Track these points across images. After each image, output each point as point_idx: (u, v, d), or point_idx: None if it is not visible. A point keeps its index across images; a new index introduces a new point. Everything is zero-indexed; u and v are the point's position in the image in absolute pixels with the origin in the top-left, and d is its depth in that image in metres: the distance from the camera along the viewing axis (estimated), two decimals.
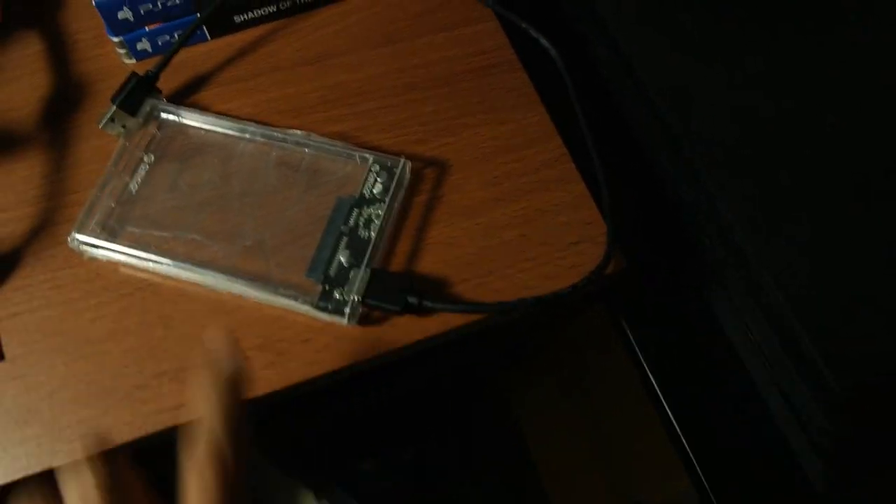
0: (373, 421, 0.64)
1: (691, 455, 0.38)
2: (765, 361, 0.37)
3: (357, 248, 0.37)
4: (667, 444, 0.40)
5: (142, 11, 0.41)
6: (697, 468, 0.38)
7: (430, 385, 0.62)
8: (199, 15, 0.43)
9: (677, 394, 0.40)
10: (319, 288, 0.36)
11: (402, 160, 0.39)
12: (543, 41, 0.44)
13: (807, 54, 0.40)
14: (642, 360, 0.41)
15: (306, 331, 0.36)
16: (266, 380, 0.35)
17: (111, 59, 0.44)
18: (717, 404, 0.40)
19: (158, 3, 0.41)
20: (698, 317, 0.40)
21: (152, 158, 0.40)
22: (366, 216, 0.38)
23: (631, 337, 0.42)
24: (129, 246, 0.37)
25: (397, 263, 0.38)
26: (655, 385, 0.40)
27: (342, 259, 0.37)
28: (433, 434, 0.67)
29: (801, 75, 0.39)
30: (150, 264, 0.37)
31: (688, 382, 0.40)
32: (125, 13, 0.41)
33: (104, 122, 0.40)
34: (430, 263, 0.38)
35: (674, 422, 0.40)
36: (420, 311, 0.36)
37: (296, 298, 0.36)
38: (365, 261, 0.36)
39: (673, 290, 0.42)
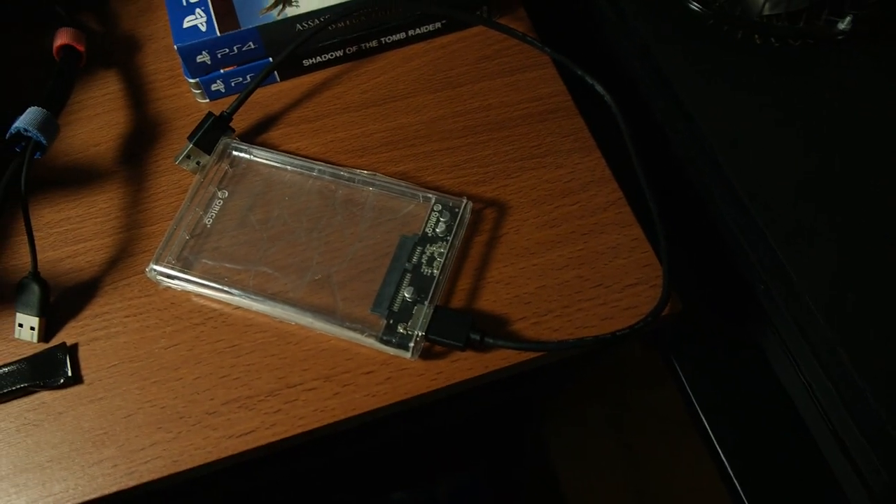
0: (407, 452, 0.65)
1: (743, 498, 0.39)
2: (822, 414, 0.37)
3: (420, 284, 0.38)
4: (718, 485, 0.41)
5: (219, 56, 0.44)
6: None
7: (466, 418, 0.62)
8: (271, 59, 0.45)
9: (731, 438, 0.40)
10: (384, 322, 0.38)
11: (465, 200, 0.40)
12: (599, 87, 0.45)
13: (872, 113, 0.41)
14: (694, 401, 0.42)
15: (370, 363, 0.38)
16: (330, 410, 0.37)
17: (186, 98, 0.47)
18: (772, 451, 0.40)
19: (235, 48, 0.44)
20: (752, 361, 0.41)
21: (226, 194, 0.42)
22: (428, 254, 0.39)
23: (682, 376, 0.42)
24: (203, 277, 0.39)
25: (458, 300, 0.39)
26: (707, 426, 0.41)
27: (406, 295, 0.38)
28: (467, 467, 0.68)
29: (870, 136, 0.40)
30: (222, 295, 0.39)
31: (741, 426, 0.41)
32: (203, 57, 0.43)
33: (181, 158, 0.43)
34: (489, 301, 0.39)
35: (729, 469, 0.40)
36: (481, 347, 0.37)
37: (361, 332, 0.37)
38: (429, 297, 0.38)
39: (726, 331, 0.42)
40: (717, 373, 0.41)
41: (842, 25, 0.42)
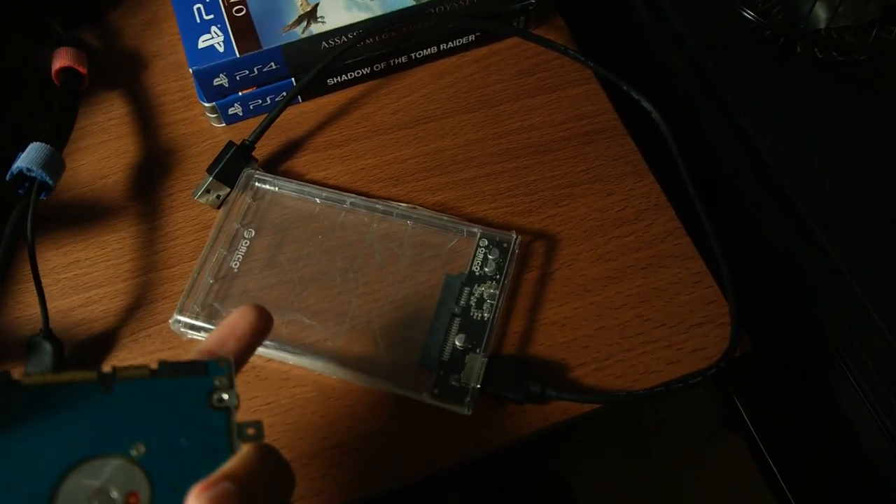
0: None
1: None
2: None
3: (471, 330, 0.35)
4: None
5: (237, 78, 0.40)
6: None
7: None
8: (293, 80, 0.41)
9: (797, 477, 0.38)
10: (434, 375, 0.35)
11: (514, 235, 0.37)
12: (646, 104, 0.42)
13: None
14: (758, 440, 0.39)
15: (421, 419, 0.35)
16: (380, 474, 0.34)
17: (200, 122, 0.43)
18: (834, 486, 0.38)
19: (255, 69, 0.40)
20: (817, 396, 0.39)
21: (252, 233, 0.38)
22: (478, 295, 0.36)
23: (745, 416, 0.40)
24: None
25: (510, 345, 0.36)
26: (774, 468, 0.39)
27: (456, 343, 0.35)
28: (486, 492, 0.65)
29: None
30: None
31: (807, 466, 0.39)
32: (221, 80, 0.40)
33: (199, 193, 0.39)
34: (544, 346, 0.36)
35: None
36: (542, 400, 0.34)
37: (410, 387, 0.34)
38: (482, 346, 0.35)
39: (790, 365, 0.40)
40: (785, 415, 0.39)
41: None
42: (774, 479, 0.41)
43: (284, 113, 0.42)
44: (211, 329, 0.36)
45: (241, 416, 0.34)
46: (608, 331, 0.36)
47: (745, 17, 0.41)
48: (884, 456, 0.37)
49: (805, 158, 0.38)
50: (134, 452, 0.22)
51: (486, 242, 0.38)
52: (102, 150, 0.42)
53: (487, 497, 0.59)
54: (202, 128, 0.43)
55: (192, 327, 0.36)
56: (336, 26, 0.39)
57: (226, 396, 0.23)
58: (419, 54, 0.43)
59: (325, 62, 0.40)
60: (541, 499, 0.62)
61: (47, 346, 0.35)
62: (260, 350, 0.35)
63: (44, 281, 0.36)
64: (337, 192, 0.39)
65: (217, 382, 0.23)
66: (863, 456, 0.38)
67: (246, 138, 0.40)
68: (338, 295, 0.37)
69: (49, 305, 0.36)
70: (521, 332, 0.37)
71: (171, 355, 0.36)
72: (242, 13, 0.40)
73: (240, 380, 0.35)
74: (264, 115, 0.40)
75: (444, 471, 0.34)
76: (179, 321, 0.36)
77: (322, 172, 0.41)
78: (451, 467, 0.34)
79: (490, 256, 0.37)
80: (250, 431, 0.23)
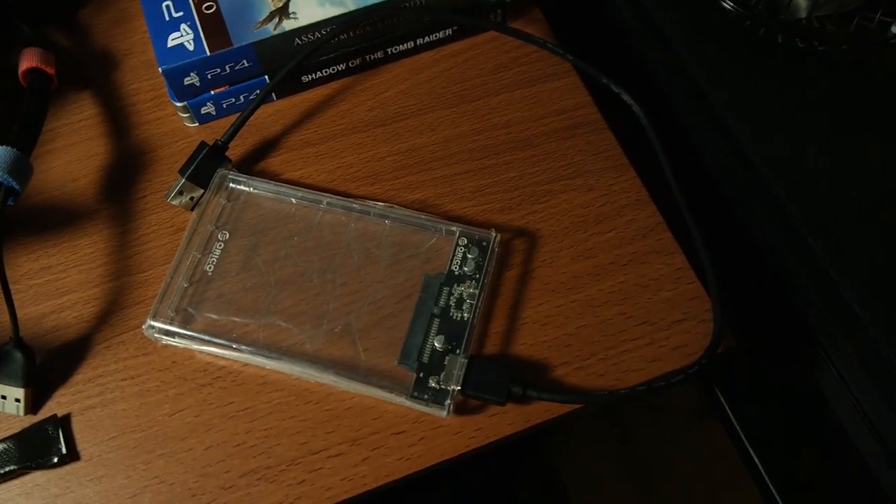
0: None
1: None
2: (884, 448, 0.35)
3: (451, 331, 0.35)
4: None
5: (209, 76, 0.39)
6: None
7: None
8: (267, 78, 0.40)
9: (785, 476, 0.38)
10: (413, 377, 0.34)
11: (493, 234, 0.37)
12: (625, 96, 0.42)
13: None
14: (742, 435, 0.39)
15: (400, 422, 0.34)
16: (360, 478, 0.33)
17: (172, 122, 0.42)
18: (826, 486, 0.38)
19: (227, 68, 0.39)
20: (804, 394, 0.38)
21: (227, 236, 0.38)
22: (457, 295, 0.36)
23: (727, 409, 0.40)
24: (207, 333, 0.35)
25: (491, 345, 0.36)
26: (759, 464, 0.38)
27: (436, 344, 0.35)
28: (470, 491, 0.65)
29: None
30: (229, 352, 0.35)
31: (794, 463, 0.38)
32: (192, 79, 0.39)
33: (172, 195, 0.38)
34: (525, 345, 0.36)
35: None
36: (523, 400, 0.34)
37: (389, 389, 0.34)
38: (462, 346, 0.34)
39: (775, 363, 0.40)
40: (766, 407, 0.39)
41: None
42: (757, 470, 0.40)
43: (258, 112, 0.41)
44: (188, 335, 0.35)
45: (217, 423, 0.33)
46: (590, 329, 0.36)
47: (725, 7, 0.41)
48: (868, 449, 0.37)
49: (787, 150, 0.37)
50: None
51: (466, 241, 0.37)
52: (73, 153, 0.41)
53: (472, 496, 0.59)
54: (175, 128, 0.42)
55: (167, 333, 0.35)
56: (309, 22, 0.39)
57: None
58: (395, 49, 0.42)
59: (299, 59, 0.39)
60: (528, 494, 0.62)
61: (18, 355, 0.34)
62: (236, 355, 0.35)
63: (14, 287, 0.36)
64: (313, 191, 0.39)
65: None
66: (847, 448, 0.37)
67: (219, 138, 0.39)
68: (315, 297, 0.37)
69: (20, 312, 0.35)
70: (501, 331, 0.36)
71: (143, 362, 0.36)
72: (212, 10, 0.39)
73: (215, 387, 0.35)
74: (238, 114, 0.39)
75: (426, 472, 0.34)
76: (153, 327, 0.35)
77: (298, 172, 0.40)
78: (432, 469, 0.34)
79: (469, 255, 0.37)
80: None
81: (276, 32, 0.38)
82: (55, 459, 0.33)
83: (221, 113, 0.42)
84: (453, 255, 0.37)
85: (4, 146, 0.35)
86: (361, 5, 0.39)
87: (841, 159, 0.37)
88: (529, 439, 0.48)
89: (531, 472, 0.64)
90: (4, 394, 0.34)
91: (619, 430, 0.56)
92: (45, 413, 0.35)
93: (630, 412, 0.55)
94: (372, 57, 0.42)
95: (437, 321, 0.35)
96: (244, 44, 0.38)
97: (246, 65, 0.39)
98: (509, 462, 0.57)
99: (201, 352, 0.36)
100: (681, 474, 0.54)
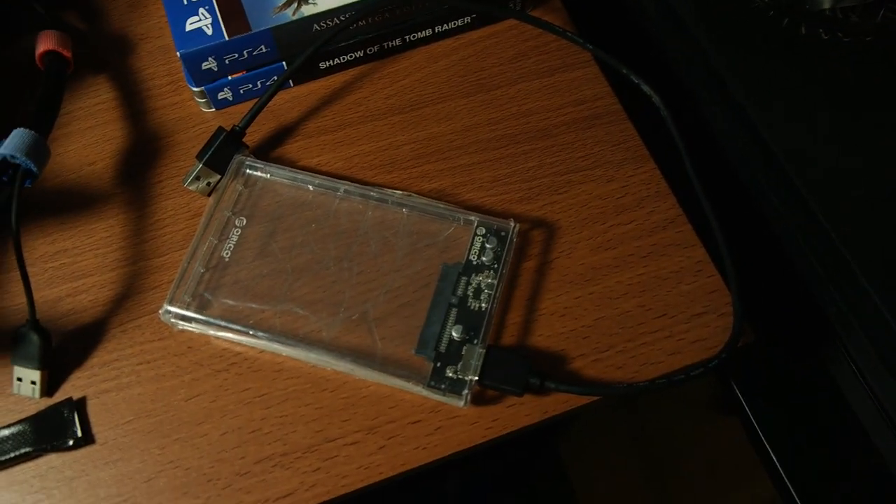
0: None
1: None
2: None
3: (469, 321, 0.35)
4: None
5: (227, 61, 0.39)
6: None
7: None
8: (284, 63, 0.40)
9: (799, 468, 0.38)
10: (430, 366, 0.34)
11: (512, 223, 0.36)
12: (645, 87, 0.41)
13: None
14: (759, 430, 0.39)
15: (416, 411, 0.34)
16: (376, 466, 0.33)
17: (189, 107, 0.42)
18: (842, 481, 0.38)
19: (245, 53, 0.39)
20: (822, 388, 0.38)
21: (244, 222, 0.37)
22: (475, 285, 0.36)
23: (744, 403, 0.39)
24: (223, 318, 0.35)
25: (509, 336, 0.36)
26: (775, 459, 0.38)
27: (454, 334, 0.34)
28: (484, 480, 0.65)
29: None
30: (246, 338, 0.35)
31: (808, 453, 0.38)
32: (210, 63, 0.39)
33: (189, 180, 0.38)
34: (543, 336, 0.35)
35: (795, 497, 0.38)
36: (541, 391, 0.34)
37: (406, 378, 0.34)
38: (480, 336, 0.34)
39: (793, 357, 0.39)
40: (784, 402, 0.39)
41: None
42: (773, 465, 0.40)
43: (276, 98, 0.41)
44: (204, 320, 0.35)
45: (233, 409, 0.33)
46: (608, 321, 0.36)
47: None
48: (886, 445, 0.36)
49: (810, 142, 0.37)
50: None
51: (484, 231, 0.37)
52: (89, 136, 0.41)
53: (489, 485, 0.59)
54: (191, 113, 0.42)
55: (183, 318, 0.35)
56: (328, 7, 0.38)
57: None
58: (414, 37, 0.42)
59: (318, 45, 0.39)
60: (545, 484, 0.62)
61: (34, 338, 0.34)
62: (253, 341, 0.35)
63: (30, 270, 0.35)
64: (330, 179, 0.38)
65: None
66: (864, 444, 0.37)
67: (236, 124, 0.38)
68: (332, 284, 0.36)
69: (36, 295, 0.35)
70: (519, 322, 0.36)
71: (160, 347, 0.36)
72: None
73: (231, 373, 0.35)
74: (255, 100, 0.39)
75: (442, 461, 0.33)
76: (170, 312, 0.35)
77: (315, 159, 0.40)
78: (448, 459, 0.34)
79: (487, 245, 0.36)
80: None
81: (294, 17, 0.38)
82: (70, 442, 0.33)
83: (238, 98, 0.41)
84: (471, 245, 0.37)
85: (22, 128, 0.35)
86: None
87: (862, 151, 0.36)
88: (547, 430, 0.48)
89: (548, 462, 0.64)
90: (20, 376, 0.34)
91: (633, 422, 0.56)
92: (60, 396, 0.35)
93: (644, 405, 0.55)
94: (390, 44, 0.42)
95: (454, 311, 0.35)
96: (263, 29, 0.38)
97: (264, 50, 0.39)
98: (526, 452, 0.57)
99: (217, 337, 0.35)
100: (693, 468, 0.53)
